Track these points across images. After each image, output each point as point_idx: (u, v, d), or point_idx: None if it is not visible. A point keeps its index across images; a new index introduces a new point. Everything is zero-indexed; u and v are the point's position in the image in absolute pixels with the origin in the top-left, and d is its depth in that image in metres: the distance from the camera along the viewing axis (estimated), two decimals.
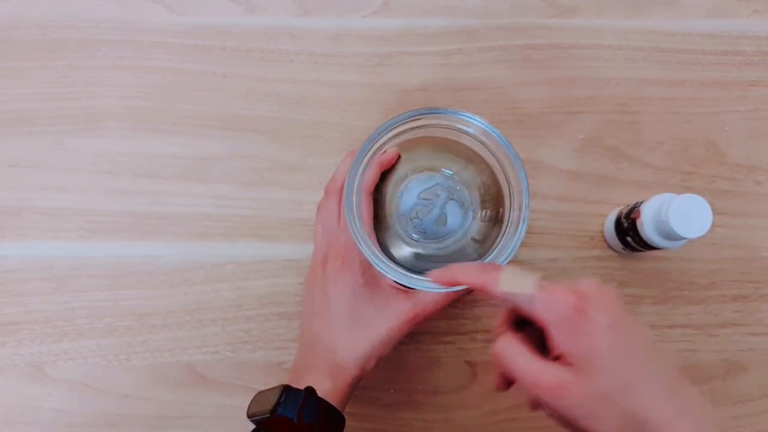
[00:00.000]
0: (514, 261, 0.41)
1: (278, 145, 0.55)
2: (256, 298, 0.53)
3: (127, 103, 0.55)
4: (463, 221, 0.47)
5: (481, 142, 0.44)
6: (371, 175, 0.45)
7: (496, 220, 0.45)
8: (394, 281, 0.44)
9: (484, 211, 0.47)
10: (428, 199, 0.47)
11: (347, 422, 0.42)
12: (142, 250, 0.53)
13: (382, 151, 0.45)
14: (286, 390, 0.40)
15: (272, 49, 0.56)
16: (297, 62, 0.56)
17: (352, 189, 0.42)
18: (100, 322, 0.52)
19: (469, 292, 0.48)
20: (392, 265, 0.42)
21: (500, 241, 0.43)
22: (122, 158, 0.54)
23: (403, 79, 0.55)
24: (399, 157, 0.47)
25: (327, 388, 0.42)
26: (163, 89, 0.55)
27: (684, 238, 0.44)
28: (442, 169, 0.48)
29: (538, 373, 0.33)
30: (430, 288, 0.41)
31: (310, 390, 0.40)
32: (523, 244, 0.43)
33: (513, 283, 0.34)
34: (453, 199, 0.47)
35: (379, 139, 0.43)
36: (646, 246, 0.47)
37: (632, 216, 0.47)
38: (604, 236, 0.53)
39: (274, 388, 0.41)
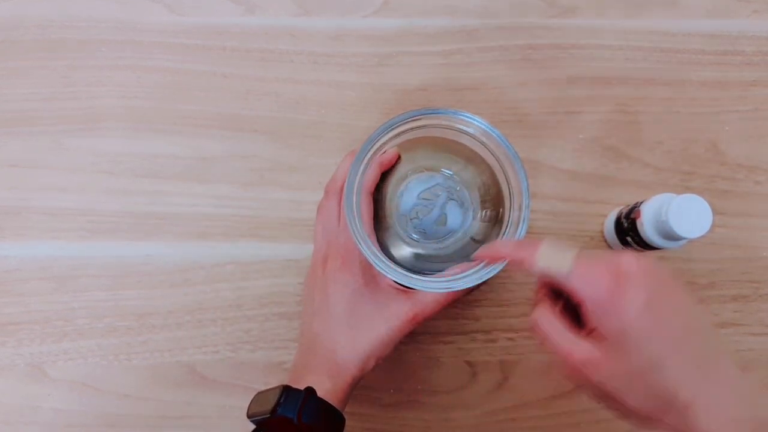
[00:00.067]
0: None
1: (278, 145, 0.55)
2: (256, 298, 0.53)
3: (127, 103, 0.55)
4: (463, 221, 0.47)
5: (481, 142, 0.44)
6: (371, 175, 0.45)
7: (496, 220, 0.45)
8: (394, 281, 0.44)
9: (484, 211, 0.47)
10: (428, 199, 0.47)
11: (347, 422, 0.42)
12: (142, 250, 0.53)
13: (382, 151, 0.45)
14: (286, 390, 0.40)
15: (272, 49, 0.56)
16: (297, 62, 0.56)
17: (352, 189, 0.42)
18: (100, 322, 0.52)
19: (469, 292, 0.48)
20: (392, 265, 0.42)
21: None
22: (122, 158, 0.54)
23: (403, 79, 0.55)
24: (399, 157, 0.47)
25: (327, 389, 0.42)
26: (163, 89, 0.55)
27: (684, 238, 0.44)
28: (442, 169, 0.48)
29: (569, 348, 0.34)
30: (430, 288, 0.42)
31: (310, 390, 0.40)
32: None
33: (551, 259, 0.35)
34: (453, 199, 0.47)
35: (379, 139, 0.43)
36: (646, 246, 0.47)
37: (632, 216, 0.47)
38: (604, 236, 0.53)
39: (274, 389, 0.41)
